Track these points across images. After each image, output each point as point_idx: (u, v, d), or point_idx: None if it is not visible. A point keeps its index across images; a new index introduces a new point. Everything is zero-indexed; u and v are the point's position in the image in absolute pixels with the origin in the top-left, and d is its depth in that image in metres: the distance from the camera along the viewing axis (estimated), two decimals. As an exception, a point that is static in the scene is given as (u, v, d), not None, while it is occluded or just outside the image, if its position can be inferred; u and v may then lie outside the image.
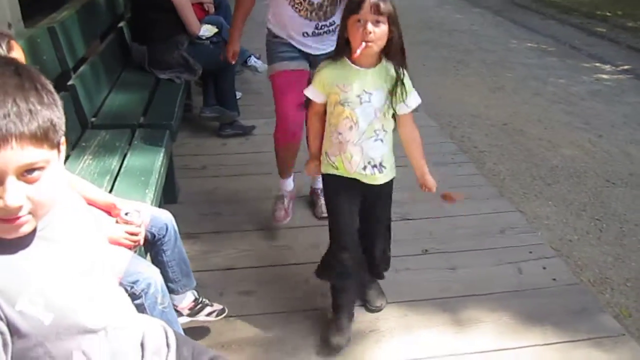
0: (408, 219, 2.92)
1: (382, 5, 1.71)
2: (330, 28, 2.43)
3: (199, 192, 3.10)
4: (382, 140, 1.90)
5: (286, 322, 2.18)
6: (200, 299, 2.05)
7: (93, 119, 2.66)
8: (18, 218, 0.81)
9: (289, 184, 2.77)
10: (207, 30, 3.75)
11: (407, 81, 1.87)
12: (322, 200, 2.80)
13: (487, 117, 4.65)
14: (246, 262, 2.52)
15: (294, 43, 2.46)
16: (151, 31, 3.40)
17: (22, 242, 0.87)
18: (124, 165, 2.24)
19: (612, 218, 3.19)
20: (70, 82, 2.50)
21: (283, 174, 2.74)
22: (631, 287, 2.63)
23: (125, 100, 2.96)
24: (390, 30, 1.75)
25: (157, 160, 2.28)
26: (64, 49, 2.47)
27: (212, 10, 4.30)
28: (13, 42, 1.40)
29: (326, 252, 2.11)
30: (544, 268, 2.54)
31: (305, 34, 2.44)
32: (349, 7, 1.78)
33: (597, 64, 6.73)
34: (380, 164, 1.93)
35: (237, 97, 3.93)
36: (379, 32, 1.73)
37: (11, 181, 0.78)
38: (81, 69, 2.71)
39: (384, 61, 1.84)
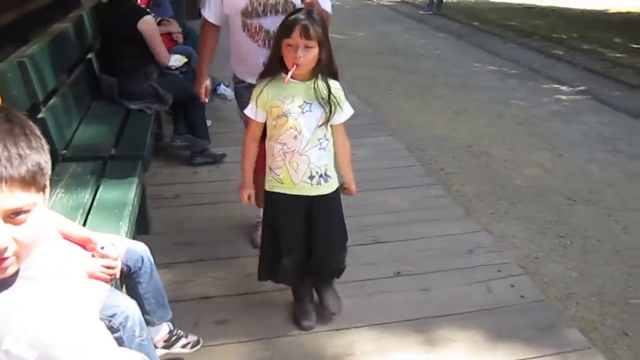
0: (379, 242, 2.99)
1: (311, 30, 1.85)
2: None
3: (171, 222, 3.10)
4: (324, 149, 2.04)
5: (262, 349, 2.20)
6: (176, 331, 2.06)
7: (64, 152, 2.66)
8: (3, 260, 0.83)
9: None
10: (176, 60, 3.79)
11: (339, 94, 2.02)
12: None
13: (453, 139, 4.78)
14: (221, 291, 2.53)
15: (250, 80, 2.41)
16: (120, 62, 3.43)
17: (5, 283, 0.89)
18: (96, 198, 2.24)
19: (574, 235, 3.31)
20: (40, 115, 2.50)
21: (260, 204, 2.76)
22: (595, 301, 2.73)
23: (95, 131, 2.96)
24: (319, 52, 1.90)
25: (130, 192, 2.29)
26: (34, 83, 2.48)
27: (181, 40, 4.35)
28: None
29: (263, 258, 2.29)
30: (512, 286, 2.62)
31: (264, 63, 2.48)
32: (281, 31, 1.92)
33: (556, 86, 7.00)
34: (325, 173, 2.07)
35: (208, 125, 3.97)
36: (308, 56, 1.89)
37: None
38: (51, 101, 2.71)
39: (317, 75, 1.97)
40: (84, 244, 1.67)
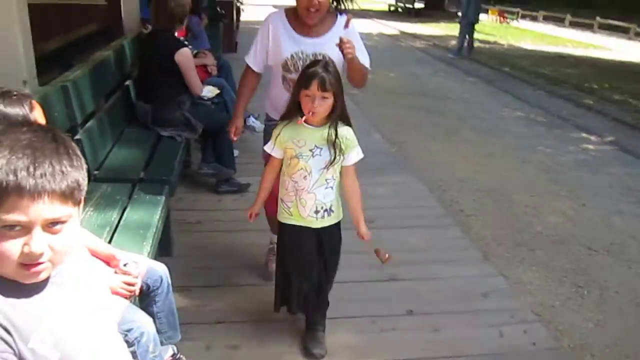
0: (395, 280, 3.01)
1: (327, 83, 2.01)
2: None
3: (193, 246, 3.19)
4: (332, 188, 2.21)
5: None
6: (178, 355, 2.12)
7: (96, 172, 2.79)
8: (39, 264, 0.92)
9: None
10: (209, 92, 3.95)
11: (351, 137, 2.17)
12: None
13: (475, 182, 4.81)
14: (235, 317, 2.59)
15: None
16: (156, 91, 3.60)
17: (37, 287, 0.98)
18: (123, 218, 2.35)
19: (593, 285, 3.28)
20: (77, 137, 2.64)
21: (274, 231, 2.84)
22: (610, 352, 2.69)
23: (127, 155, 3.10)
24: (334, 101, 2.06)
25: (155, 215, 2.39)
26: (74, 106, 2.63)
27: (215, 72, 4.53)
28: (34, 102, 1.55)
29: (278, 287, 2.39)
30: (525, 332, 2.62)
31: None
32: (300, 82, 2.07)
33: (584, 135, 6.99)
34: (330, 209, 2.23)
35: (234, 155, 4.09)
36: (324, 106, 2.05)
37: (37, 231, 0.91)
38: (88, 124, 2.86)
39: (330, 121, 2.11)
40: (108, 260, 1.76)
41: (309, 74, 2.04)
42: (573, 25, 27.71)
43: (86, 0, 7.61)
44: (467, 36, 13.12)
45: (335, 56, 2.28)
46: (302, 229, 2.23)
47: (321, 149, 2.11)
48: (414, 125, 6.55)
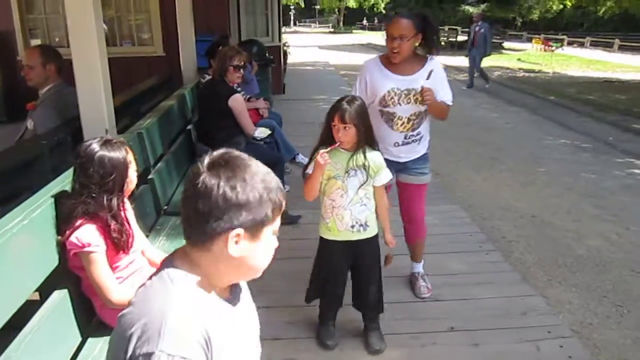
0: (437, 300, 3.22)
1: (346, 116, 2.34)
2: (417, 138, 2.96)
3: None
4: (366, 205, 2.51)
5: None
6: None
7: (165, 207, 3.17)
8: None
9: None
10: (261, 132, 4.33)
11: (379, 161, 2.49)
12: (420, 282, 3.27)
13: (516, 210, 4.96)
14: (290, 334, 2.86)
15: (386, 155, 2.77)
16: (214, 133, 4.00)
17: (236, 299, 1.23)
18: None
19: (633, 304, 3.38)
20: (150, 176, 3.03)
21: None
22: (648, 368, 2.80)
23: (191, 191, 3.47)
24: (357, 130, 2.36)
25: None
26: (147, 150, 3.03)
27: (267, 114, 4.93)
28: (127, 147, 1.92)
29: (311, 285, 2.77)
30: (561, 347, 2.76)
31: (396, 144, 2.94)
32: (328, 114, 2.41)
33: (631, 160, 7.00)
34: (365, 223, 2.53)
35: (286, 190, 4.42)
36: (347, 135, 2.37)
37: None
38: (158, 165, 3.27)
39: (358, 147, 2.43)
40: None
41: (333, 107, 2.38)
42: (622, 49, 27.23)
43: (146, 53, 8.34)
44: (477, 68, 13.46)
45: None
46: (337, 243, 2.56)
47: (356, 170, 2.43)
48: (458, 156, 6.75)
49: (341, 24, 56.08)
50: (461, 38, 26.84)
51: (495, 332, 2.89)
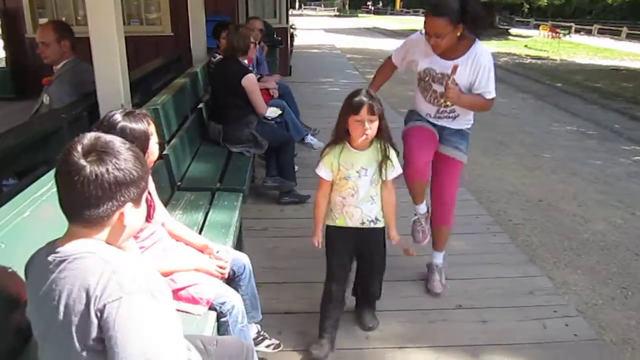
0: (446, 279, 3.27)
1: (375, 108, 2.28)
2: (450, 115, 2.93)
3: (261, 249, 3.56)
4: (375, 203, 2.48)
5: (334, 357, 2.56)
6: (262, 332, 2.47)
7: (179, 183, 3.22)
8: None
9: (423, 207, 3.16)
10: (272, 112, 4.37)
11: (393, 156, 2.44)
12: (435, 276, 3.14)
13: (523, 194, 5.00)
14: (302, 308, 2.92)
15: (424, 116, 3.01)
16: (226, 112, 4.04)
17: None
18: (207, 219, 2.75)
19: (638, 287, 3.43)
20: (165, 152, 3.07)
21: (416, 200, 3.12)
22: (652, 348, 2.86)
23: (204, 168, 3.53)
24: (380, 123, 2.33)
25: (233, 217, 2.78)
26: (163, 126, 3.07)
27: (277, 94, 4.96)
28: (149, 119, 1.95)
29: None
30: (567, 325, 2.82)
31: (428, 115, 2.98)
32: (349, 109, 2.30)
33: (637, 147, 7.03)
34: (376, 219, 2.50)
35: (295, 170, 4.47)
36: (373, 128, 2.31)
37: None
38: (172, 141, 3.31)
39: (374, 142, 2.40)
40: (202, 249, 2.15)
41: (358, 101, 2.28)
42: (630, 37, 27.04)
43: (154, 32, 8.34)
44: None
45: (460, 82, 2.72)
46: (343, 229, 2.50)
47: (366, 169, 2.40)
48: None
49: (347, 7, 55.65)
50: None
51: (503, 310, 2.95)
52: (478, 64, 2.71)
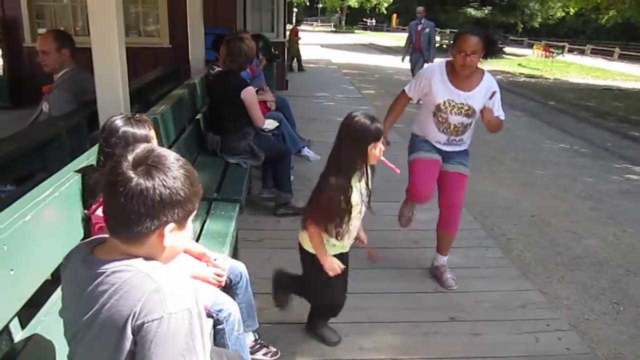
0: (439, 292, 3.31)
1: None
2: (458, 142, 3.26)
3: (256, 260, 3.55)
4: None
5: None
6: (260, 340, 2.48)
7: (177, 192, 3.23)
8: None
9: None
10: (269, 124, 4.40)
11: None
12: (447, 274, 3.40)
13: (517, 209, 5.05)
14: (295, 318, 2.93)
15: (432, 142, 3.29)
16: (225, 124, 4.07)
17: None
18: (204, 228, 2.77)
19: (629, 302, 3.46)
20: (163, 162, 3.09)
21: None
22: (643, 363, 2.88)
23: (202, 178, 3.44)
24: None
25: (230, 226, 2.80)
26: (162, 136, 3.09)
27: (274, 107, 5.00)
28: (150, 124, 1.98)
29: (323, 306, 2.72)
30: (559, 339, 2.85)
31: (438, 143, 3.27)
32: (370, 138, 2.25)
33: (629, 165, 7.11)
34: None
35: (291, 182, 4.49)
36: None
37: None
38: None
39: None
40: (199, 257, 2.16)
41: (373, 128, 2.23)
42: (622, 58, 27.40)
43: (153, 44, 8.39)
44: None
45: (477, 107, 3.09)
46: (343, 255, 2.52)
47: (362, 194, 2.39)
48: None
49: (343, 23, 56.15)
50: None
51: (495, 323, 2.97)
52: (491, 92, 3.10)
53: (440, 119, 3.17)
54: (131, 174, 1.11)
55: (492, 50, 3.10)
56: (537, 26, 33.17)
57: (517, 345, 2.78)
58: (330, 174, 2.31)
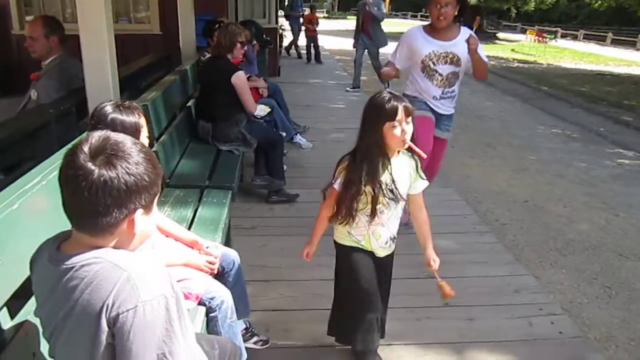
0: (432, 278, 3.28)
1: (410, 109, 2.00)
2: (452, 94, 3.51)
3: (249, 247, 3.55)
4: (398, 217, 2.20)
5: (318, 353, 2.59)
6: (251, 328, 2.47)
7: (168, 180, 3.21)
8: None
9: None
10: (261, 110, 4.37)
11: (419, 165, 2.16)
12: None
13: (510, 194, 5.06)
14: (288, 305, 2.93)
15: (427, 103, 3.50)
16: (216, 110, 4.03)
17: None
18: (196, 216, 2.75)
19: (621, 286, 3.48)
20: (154, 149, 3.06)
21: None
22: (635, 345, 2.89)
23: (193, 165, 3.52)
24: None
25: (222, 214, 2.78)
26: (152, 122, 3.06)
27: (266, 94, 4.96)
28: (140, 112, 1.95)
29: (338, 313, 2.42)
30: (552, 323, 2.86)
31: (434, 97, 3.48)
32: (384, 117, 1.97)
33: (621, 150, 7.12)
34: (395, 237, 2.25)
35: (284, 169, 4.47)
36: (410, 130, 2.01)
37: None
38: (162, 138, 3.30)
39: (402, 150, 2.09)
40: (192, 245, 2.14)
41: (392, 106, 1.97)
42: (615, 43, 27.41)
43: (143, 31, 8.30)
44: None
45: (461, 54, 3.31)
46: (367, 254, 2.20)
47: (396, 181, 2.07)
48: (453, 141, 6.76)
49: (335, 8, 55.79)
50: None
51: (489, 308, 2.98)
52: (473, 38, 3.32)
53: (429, 71, 3.39)
54: (90, 165, 1.06)
55: (464, 10, 3.35)
56: (531, 11, 33.10)
57: (511, 330, 2.79)
58: (344, 160, 2.11)
